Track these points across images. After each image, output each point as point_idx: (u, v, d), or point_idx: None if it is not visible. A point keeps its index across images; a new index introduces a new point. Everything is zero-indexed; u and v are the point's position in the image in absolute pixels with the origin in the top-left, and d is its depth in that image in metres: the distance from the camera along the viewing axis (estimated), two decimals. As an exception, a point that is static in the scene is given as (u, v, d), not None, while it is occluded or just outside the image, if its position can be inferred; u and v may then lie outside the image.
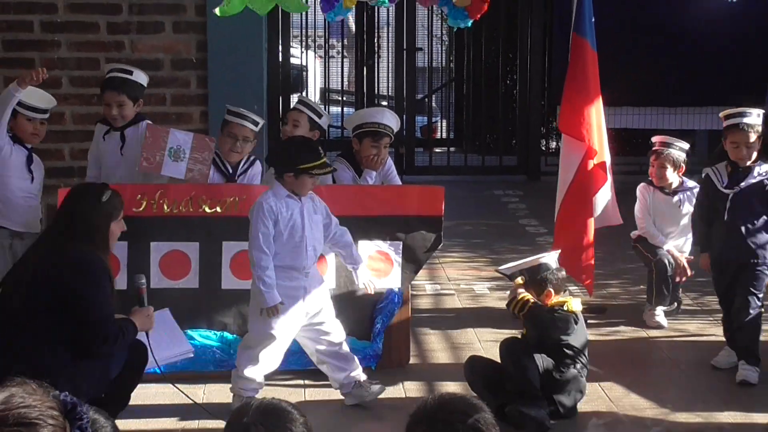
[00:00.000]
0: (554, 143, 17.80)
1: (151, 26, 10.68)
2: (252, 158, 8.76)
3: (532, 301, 7.49)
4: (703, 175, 8.50)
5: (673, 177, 9.45)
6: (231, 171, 8.57)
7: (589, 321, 9.78)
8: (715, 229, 8.30)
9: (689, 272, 9.48)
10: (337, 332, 7.76)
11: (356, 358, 7.82)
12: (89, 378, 6.58)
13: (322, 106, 15.20)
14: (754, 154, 8.22)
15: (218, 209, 8.26)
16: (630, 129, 16.18)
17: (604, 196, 9.44)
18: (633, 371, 8.45)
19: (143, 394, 7.60)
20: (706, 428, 7.34)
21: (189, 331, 8.24)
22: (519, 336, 7.75)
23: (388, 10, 17.01)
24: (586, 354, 7.61)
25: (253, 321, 7.72)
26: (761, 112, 8.41)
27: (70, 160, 10.51)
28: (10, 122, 8.35)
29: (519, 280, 7.62)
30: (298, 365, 8.28)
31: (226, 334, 8.32)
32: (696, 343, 8.80)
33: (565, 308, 7.49)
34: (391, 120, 8.89)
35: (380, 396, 7.74)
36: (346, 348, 7.78)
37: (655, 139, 9.68)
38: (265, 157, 8.36)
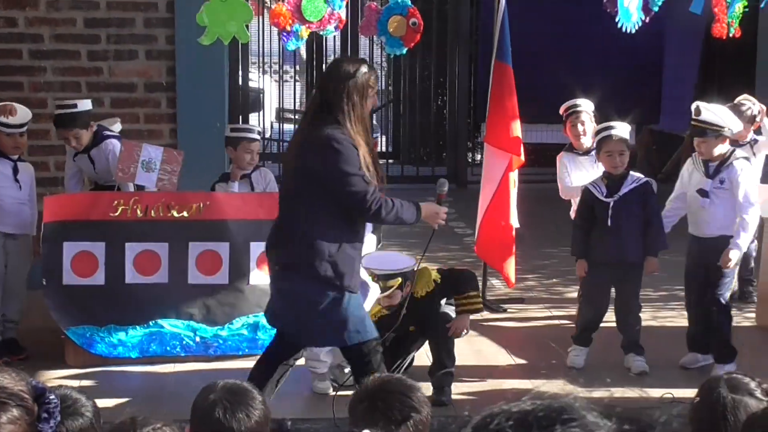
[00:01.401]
0: (479, 156, 17.81)
1: (126, 54, 10.62)
2: None
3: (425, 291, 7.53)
4: (582, 189, 8.34)
5: (591, 129, 8.83)
6: None
7: (508, 310, 9.86)
8: (596, 236, 8.13)
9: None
10: None
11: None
12: (351, 260, 6.39)
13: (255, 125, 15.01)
14: (626, 162, 8.09)
15: (185, 214, 8.24)
16: (543, 143, 16.27)
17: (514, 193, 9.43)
18: (545, 353, 8.45)
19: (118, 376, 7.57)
20: (611, 402, 7.38)
21: (159, 321, 8.24)
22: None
23: (334, 39, 17.00)
24: None
25: None
26: (628, 126, 8.37)
27: (55, 171, 10.42)
28: None
29: (395, 282, 7.43)
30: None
31: (192, 323, 8.29)
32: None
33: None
34: None
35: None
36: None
37: (563, 107, 9.23)
38: None
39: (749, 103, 9.36)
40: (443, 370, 7.55)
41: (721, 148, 7.78)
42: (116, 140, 8.76)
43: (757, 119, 9.35)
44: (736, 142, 9.11)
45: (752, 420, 3.46)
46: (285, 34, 7.98)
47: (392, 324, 7.34)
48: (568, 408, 1.26)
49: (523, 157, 9.38)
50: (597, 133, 8.29)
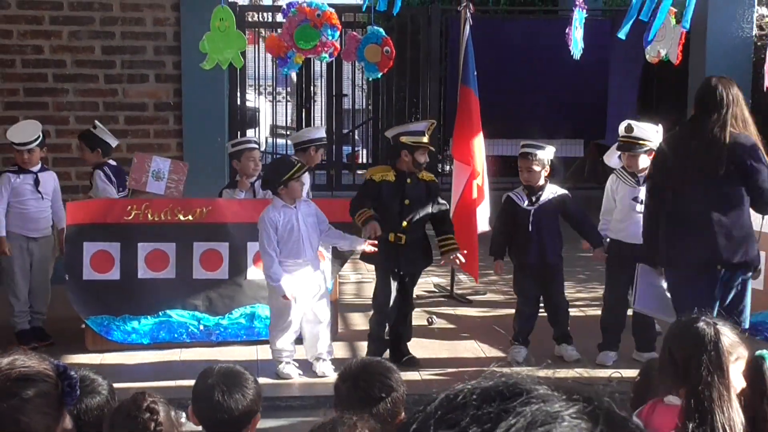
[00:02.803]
0: (448, 167, 17.86)
1: (138, 77, 10.62)
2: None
3: None
4: (504, 197, 8.11)
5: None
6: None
7: (474, 302, 9.87)
8: (519, 241, 7.96)
9: None
10: (321, 316, 7.67)
11: (326, 342, 7.74)
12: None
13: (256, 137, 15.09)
14: (540, 180, 7.90)
15: (190, 217, 8.24)
16: (505, 155, 16.29)
17: (483, 209, 9.42)
18: (506, 339, 8.41)
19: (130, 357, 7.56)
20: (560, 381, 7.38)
21: (168, 311, 8.25)
22: None
23: (321, 64, 16.99)
24: None
25: (270, 305, 7.74)
26: (553, 149, 8.06)
27: (76, 180, 10.42)
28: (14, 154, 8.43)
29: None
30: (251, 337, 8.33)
31: (196, 313, 8.31)
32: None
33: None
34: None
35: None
36: (323, 330, 7.70)
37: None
38: (261, 183, 8.36)
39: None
40: (402, 338, 7.94)
41: (647, 161, 7.61)
42: (103, 172, 8.77)
43: None
44: None
45: (646, 366, 3.52)
46: (280, 60, 7.99)
47: (394, 190, 7.71)
48: (521, 382, 1.29)
49: (480, 169, 9.33)
50: (524, 146, 8.07)
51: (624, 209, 7.88)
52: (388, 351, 7.88)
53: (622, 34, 7.72)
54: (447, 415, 1.29)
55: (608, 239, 8.00)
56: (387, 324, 7.93)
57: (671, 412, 3.49)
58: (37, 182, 8.39)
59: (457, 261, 7.93)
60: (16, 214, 8.32)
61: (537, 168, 7.87)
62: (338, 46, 8.24)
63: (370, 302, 9.89)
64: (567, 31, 8.66)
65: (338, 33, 8.13)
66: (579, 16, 8.57)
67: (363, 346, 8.13)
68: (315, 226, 7.58)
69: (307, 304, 7.59)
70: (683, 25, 7.76)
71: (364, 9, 8.21)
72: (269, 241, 7.43)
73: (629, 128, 7.72)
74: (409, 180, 7.75)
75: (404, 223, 7.73)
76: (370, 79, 9.12)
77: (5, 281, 8.48)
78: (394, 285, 7.82)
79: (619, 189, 7.93)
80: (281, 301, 7.49)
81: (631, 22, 7.60)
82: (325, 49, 8.04)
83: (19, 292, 8.38)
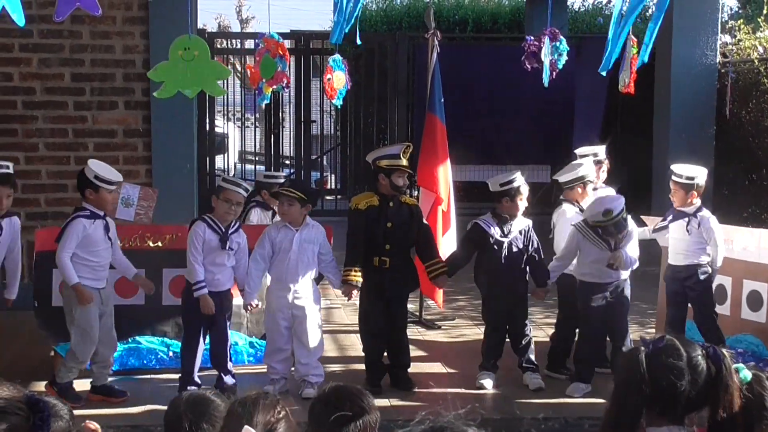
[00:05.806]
0: (416, 192, 17.87)
1: (107, 104, 10.61)
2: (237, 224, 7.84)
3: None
4: (471, 224, 8.10)
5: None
6: (223, 230, 7.63)
7: (442, 327, 9.89)
8: (490, 270, 7.95)
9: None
10: (308, 341, 7.71)
11: (311, 366, 7.76)
12: None
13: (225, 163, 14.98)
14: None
15: (159, 244, 8.23)
16: (472, 181, 16.36)
17: (450, 237, 9.43)
18: (474, 364, 8.39)
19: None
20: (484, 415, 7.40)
21: (137, 337, 8.21)
22: None
23: (290, 92, 17.02)
24: None
25: (266, 325, 7.95)
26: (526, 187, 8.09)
27: (45, 206, 10.39)
28: None
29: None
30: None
31: (165, 339, 8.29)
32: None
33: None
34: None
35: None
36: (311, 355, 7.75)
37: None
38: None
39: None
40: (401, 364, 8.02)
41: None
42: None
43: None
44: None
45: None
46: (258, 90, 8.01)
47: (377, 214, 7.78)
48: (449, 425, 1.32)
49: (444, 195, 9.41)
50: (503, 184, 8.00)
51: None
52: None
53: (603, 70, 7.71)
54: None
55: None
56: (380, 348, 7.98)
57: None
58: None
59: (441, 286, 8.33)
60: None
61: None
62: (288, 76, 8.25)
63: (339, 328, 9.89)
64: (523, 58, 8.66)
65: (287, 64, 8.12)
66: (546, 43, 8.62)
67: (331, 371, 8.12)
68: (312, 253, 7.66)
69: (298, 327, 7.69)
70: (641, 58, 7.82)
71: (332, 41, 8.21)
72: (260, 252, 7.64)
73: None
74: (391, 203, 7.83)
75: (387, 246, 7.77)
76: (339, 107, 9.16)
77: None
78: (380, 308, 7.85)
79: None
80: (272, 322, 7.72)
81: (613, 59, 7.56)
82: (281, 80, 8.03)
83: None
